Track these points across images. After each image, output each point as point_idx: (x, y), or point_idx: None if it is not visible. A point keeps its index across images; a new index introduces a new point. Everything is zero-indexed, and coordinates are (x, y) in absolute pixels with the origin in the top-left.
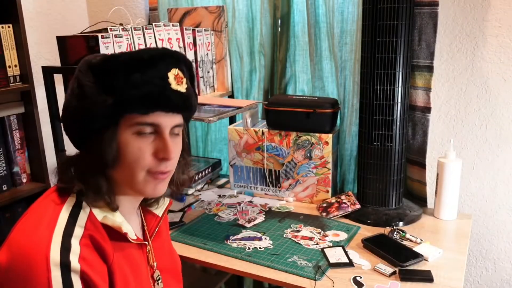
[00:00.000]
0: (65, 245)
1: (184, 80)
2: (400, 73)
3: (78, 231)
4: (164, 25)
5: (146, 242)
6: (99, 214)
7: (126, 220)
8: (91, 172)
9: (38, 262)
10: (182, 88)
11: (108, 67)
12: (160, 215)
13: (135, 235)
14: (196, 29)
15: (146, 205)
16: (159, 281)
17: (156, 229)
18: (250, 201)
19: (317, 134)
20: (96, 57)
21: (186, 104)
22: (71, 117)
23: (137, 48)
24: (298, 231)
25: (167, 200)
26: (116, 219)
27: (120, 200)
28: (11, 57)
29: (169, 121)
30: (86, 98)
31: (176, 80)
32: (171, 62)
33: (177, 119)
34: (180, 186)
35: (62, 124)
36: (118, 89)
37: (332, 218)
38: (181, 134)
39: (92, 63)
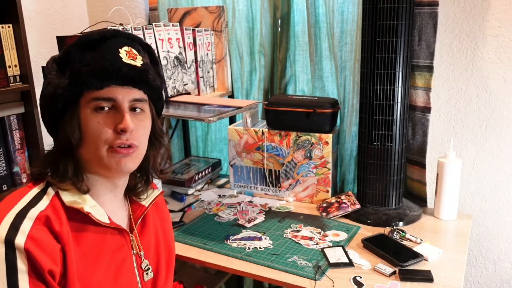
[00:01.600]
0: (15, 225)
1: (139, 57)
2: (400, 73)
3: (33, 212)
4: (164, 25)
5: (128, 230)
6: (67, 197)
7: (100, 203)
8: (59, 156)
9: None
10: (136, 62)
11: (65, 52)
12: (146, 205)
13: (109, 219)
14: (196, 29)
15: (133, 194)
16: (149, 271)
17: (140, 219)
18: (250, 201)
19: (317, 134)
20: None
21: (141, 77)
22: (41, 106)
23: None
24: (298, 231)
25: (156, 191)
26: (85, 202)
27: (93, 182)
28: (11, 57)
29: (126, 94)
30: (49, 84)
31: (128, 55)
32: (123, 41)
33: (135, 93)
34: (158, 172)
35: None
36: (73, 69)
37: (332, 218)
38: (148, 113)
39: (52, 58)
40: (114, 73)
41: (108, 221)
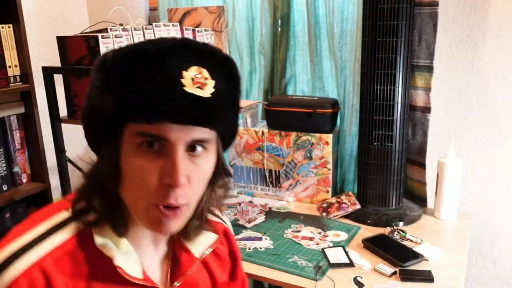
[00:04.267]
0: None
1: (211, 81)
2: (400, 73)
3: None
4: (164, 25)
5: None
6: (99, 238)
7: (136, 247)
8: (96, 186)
9: None
10: (204, 92)
11: (110, 62)
12: (197, 256)
13: (143, 273)
14: (196, 29)
15: (180, 235)
16: None
17: (188, 272)
18: (250, 201)
19: (317, 134)
20: (117, 49)
21: (208, 113)
22: (82, 118)
23: None
24: (299, 231)
25: (211, 236)
26: (118, 246)
27: (133, 224)
28: (11, 57)
29: (183, 135)
30: (91, 98)
31: (193, 81)
32: (190, 58)
33: (197, 132)
34: (203, 219)
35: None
36: (117, 88)
37: (333, 218)
38: (213, 152)
39: (104, 56)
40: (168, 107)
41: (141, 276)
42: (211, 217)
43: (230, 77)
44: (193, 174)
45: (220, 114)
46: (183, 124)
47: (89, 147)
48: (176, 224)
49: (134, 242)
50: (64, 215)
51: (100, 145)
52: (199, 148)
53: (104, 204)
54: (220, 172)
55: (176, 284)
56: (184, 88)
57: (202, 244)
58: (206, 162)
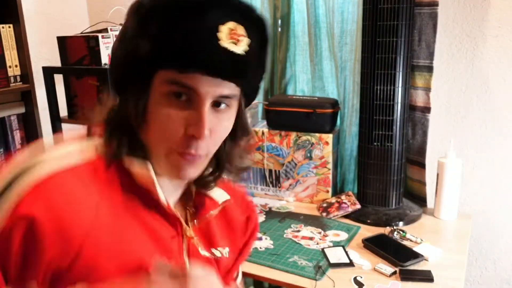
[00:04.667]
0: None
1: (245, 40)
2: (400, 73)
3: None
4: None
5: (182, 220)
6: (128, 161)
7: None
8: (119, 128)
9: None
10: (238, 48)
11: (148, 7)
12: (219, 202)
13: (167, 202)
14: None
15: (198, 183)
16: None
17: (208, 215)
18: None
19: (317, 134)
20: None
21: (239, 70)
22: (112, 60)
23: None
24: (299, 231)
25: (225, 195)
26: (150, 172)
27: (153, 162)
28: (11, 57)
29: (212, 88)
30: (123, 41)
31: (229, 36)
32: (229, 13)
33: (225, 88)
34: (234, 168)
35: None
36: (155, 35)
37: (333, 218)
38: (235, 109)
39: (139, 2)
40: (203, 58)
41: (166, 204)
42: (230, 182)
43: (263, 38)
44: (216, 128)
45: (249, 72)
46: (214, 76)
47: (113, 88)
48: (194, 171)
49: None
50: (87, 142)
51: (126, 88)
52: (223, 105)
53: (127, 143)
54: (240, 129)
55: (195, 223)
56: (219, 42)
57: (221, 196)
58: (228, 118)
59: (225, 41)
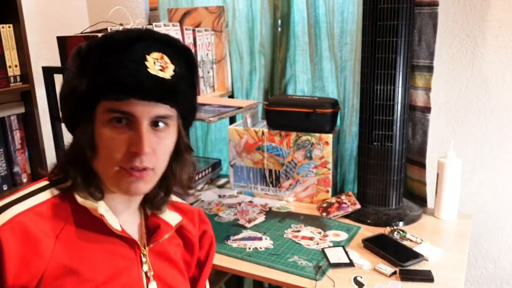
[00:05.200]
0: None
1: (171, 65)
2: (400, 73)
3: (29, 202)
4: (164, 25)
5: (139, 243)
6: (80, 198)
7: (112, 210)
8: (73, 160)
9: None
10: (166, 74)
11: (86, 50)
12: (172, 225)
13: (121, 227)
14: (196, 29)
15: (150, 206)
16: None
17: (163, 238)
18: (250, 201)
19: (317, 134)
20: (90, 40)
21: (169, 92)
22: (60, 100)
23: None
24: (299, 231)
25: (177, 216)
26: (98, 205)
27: (106, 191)
28: (11, 57)
29: (147, 110)
30: (68, 81)
31: (156, 64)
32: (153, 45)
33: (159, 109)
34: (184, 188)
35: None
36: (91, 72)
37: (333, 218)
38: (174, 128)
39: (79, 47)
40: (134, 86)
41: (120, 229)
42: (183, 203)
43: (189, 64)
44: (157, 146)
45: (179, 93)
46: (147, 100)
47: (66, 128)
48: (144, 185)
49: (109, 208)
50: (42, 183)
51: (75, 125)
52: (161, 124)
53: (80, 174)
54: (182, 147)
55: (150, 246)
56: (148, 69)
57: (174, 219)
58: (168, 136)
59: (152, 69)
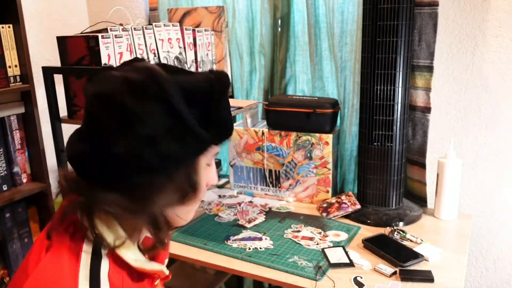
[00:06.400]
0: None
1: None
2: (400, 73)
3: (103, 274)
4: (164, 25)
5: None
6: (131, 257)
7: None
8: (138, 212)
9: None
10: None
11: (207, 105)
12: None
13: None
14: (196, 29)
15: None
16: None
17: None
18: (250, 201)
19: (317, 134)
20: (168, 74)
21: None
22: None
23: (137, 49)
24: (299, 231)
25: None
26: (143, 259)
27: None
28: (11, 57)
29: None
30: (184, 131)
31: None
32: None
33: None
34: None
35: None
36: (215, 123)
37: (333, 218)
38: None
39: (182, 85)
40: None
41: (168, 272)
42: None
43: None
44: None
45: None
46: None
47: (96, 180)
48: None
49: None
50: (85, 256)
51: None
52: None
53: (141, 227)
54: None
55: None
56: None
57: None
58: None
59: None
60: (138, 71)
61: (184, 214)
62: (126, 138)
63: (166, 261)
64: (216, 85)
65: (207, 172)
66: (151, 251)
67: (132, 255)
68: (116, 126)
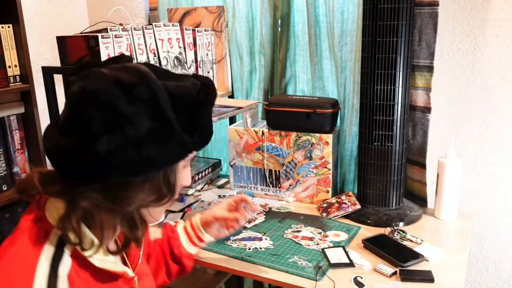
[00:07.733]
0: (52, 285)
1: None
2: (401, 73)
3: (63, 271)
4: (164, 25)
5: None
6: (96, 259)
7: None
8: (110, 212)
9: None
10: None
11: (197, 109)
12: (141, 244)
13: (132, 270)
14: (196, 29)
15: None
16: None
17: (140, 259)
18: None
19: (317, 134)
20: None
21: None
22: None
23: (137, 49)
24: (299, 231)
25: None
26: (110, 260)
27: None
28: (11, 57)
29: None
30: (169, 137)
31: None
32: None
33: None
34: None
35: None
36: (200, 127)
37: (333, 218)
38: None
39: (173, 92)
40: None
41: (133, 275)
42: None
43: None
44: None
45: None
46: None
47: (79, 177)
48: None
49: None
50: (48, 247)
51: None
52: None
53: (114, 227)
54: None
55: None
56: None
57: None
58: None
59: None
60: (129, 72)
61: (157, 213)
62: (112, 138)
63: (139, 262)
64: (203, 93)
65: (183, 174)
66: (121, 250)
67: (96, 255)
68: (103, 125)
